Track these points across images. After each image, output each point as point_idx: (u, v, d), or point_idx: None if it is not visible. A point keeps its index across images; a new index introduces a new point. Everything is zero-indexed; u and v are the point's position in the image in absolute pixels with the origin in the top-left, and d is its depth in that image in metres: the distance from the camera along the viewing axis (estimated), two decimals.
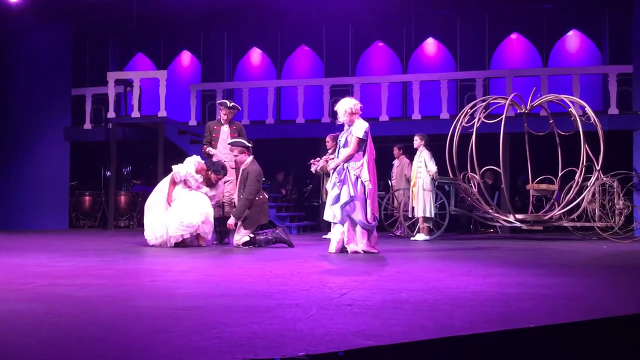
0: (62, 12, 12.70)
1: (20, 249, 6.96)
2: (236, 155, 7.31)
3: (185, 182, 7.33)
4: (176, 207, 7.21)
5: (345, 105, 6.46)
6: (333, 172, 6.53)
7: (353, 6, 13.20)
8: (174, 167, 7.41)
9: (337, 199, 6.38)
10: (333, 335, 2.35)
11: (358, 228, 6.40)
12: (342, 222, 6.42)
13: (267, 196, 7.61)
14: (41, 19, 12.58)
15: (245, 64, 15.04)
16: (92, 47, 15.00)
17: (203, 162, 7.52)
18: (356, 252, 6.35)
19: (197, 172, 7.35)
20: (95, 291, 3.59)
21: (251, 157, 7.31)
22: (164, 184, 7.49)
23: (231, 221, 7.22)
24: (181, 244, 7.16)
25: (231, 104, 8.06)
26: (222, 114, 7.99)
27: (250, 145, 7.34)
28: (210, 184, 7.46)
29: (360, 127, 6.39)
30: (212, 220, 7.32)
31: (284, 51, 14.79)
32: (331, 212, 6.46)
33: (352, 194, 6.33)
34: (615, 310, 2.96)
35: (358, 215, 6.35)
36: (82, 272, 4.52)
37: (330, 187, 6.53)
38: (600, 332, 2.66)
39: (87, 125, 13.05)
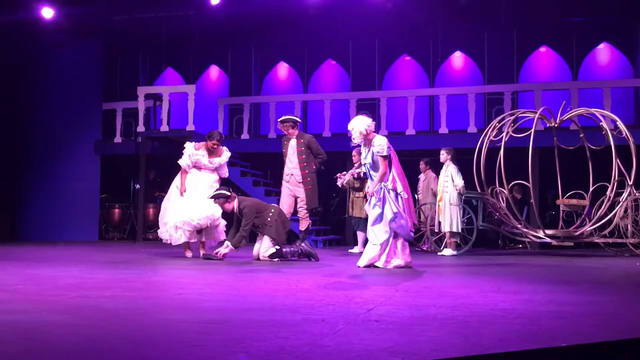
0: (94, 29, 12.98)
1: (51, 260, 7.07)
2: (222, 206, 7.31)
3: (198, 168, 7.56)
4: (187, 201, 7.43)
5: (359, 127, 6.47)
6: (372, 196, 6.54)
7: (379, 20, 13.22)
8: (179, 162, 7.66)
9: (380, 218, 6.42)
10: (360, 351, 2.33)
11: (399, 242, 6.45)
12: (382, 243, 6.43)
13: (277, 206, 7.69)
14: (74, 36, 12.87)
15: (273, 78, 15.16)
16: (123, 62, 15.30)
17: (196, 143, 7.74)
18: (400, 266, 6.38)
19: (198, 149, 7.58)
20: (123, 303, 3.63)
21: (236, 199, 7.26)
22: (175, 183, 7.72)
23: (224, 250, 7.16)
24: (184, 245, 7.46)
25: (284, 118, 8.24)
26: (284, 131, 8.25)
27: (229, 194, 7.21)
28: (214, 153, 7.66)
29: (382, 146, 6.43)
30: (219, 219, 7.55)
31: (311, 65, 14.87)
32: (372, 233, 6.49)
33: (395, 210, 6.37)
34: None
35: (405, 229, 6.43)
36: (111, 284, 4.58)
37: (371, 208, 6.55)
38: (632, 352, 2.59)
39: (118, 139, 13.27)
